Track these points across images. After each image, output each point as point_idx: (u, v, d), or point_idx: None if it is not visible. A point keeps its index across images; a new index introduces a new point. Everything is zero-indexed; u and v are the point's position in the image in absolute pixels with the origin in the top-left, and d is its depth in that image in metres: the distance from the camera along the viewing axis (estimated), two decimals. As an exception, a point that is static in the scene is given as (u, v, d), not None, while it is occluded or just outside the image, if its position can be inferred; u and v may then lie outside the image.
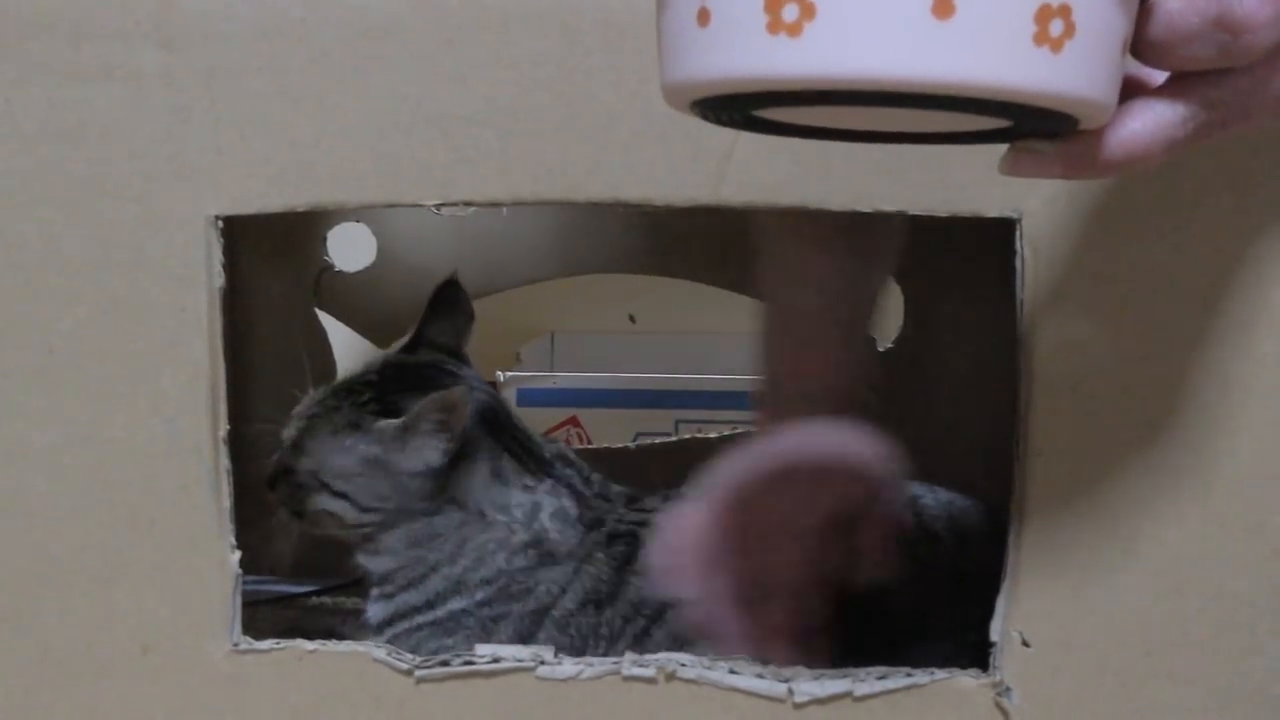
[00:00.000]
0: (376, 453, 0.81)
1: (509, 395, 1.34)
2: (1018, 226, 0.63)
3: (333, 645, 0.68)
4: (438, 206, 0.65)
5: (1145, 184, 0.62)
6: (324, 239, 1.12)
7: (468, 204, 0.65)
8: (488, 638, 0.78)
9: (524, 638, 0.78)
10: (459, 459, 0.81)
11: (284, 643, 0.67)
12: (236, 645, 0.67)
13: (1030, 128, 0.42)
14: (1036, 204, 0.63)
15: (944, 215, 0.63)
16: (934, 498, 0.84)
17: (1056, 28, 0.37)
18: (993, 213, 0.63)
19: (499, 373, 1.39)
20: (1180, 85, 0.43)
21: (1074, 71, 0.38)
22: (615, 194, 0.65)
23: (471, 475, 0.82)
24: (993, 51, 0.37)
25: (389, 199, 0.65)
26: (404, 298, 1.09)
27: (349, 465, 0.81)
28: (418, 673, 0.66)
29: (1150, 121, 0.42)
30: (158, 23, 0.63)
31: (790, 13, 0.37)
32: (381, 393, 0.84)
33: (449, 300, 0.91)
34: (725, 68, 0.39)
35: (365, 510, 0.81)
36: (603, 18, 0.63)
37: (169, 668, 0.67)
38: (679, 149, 0.63)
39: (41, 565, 0.67)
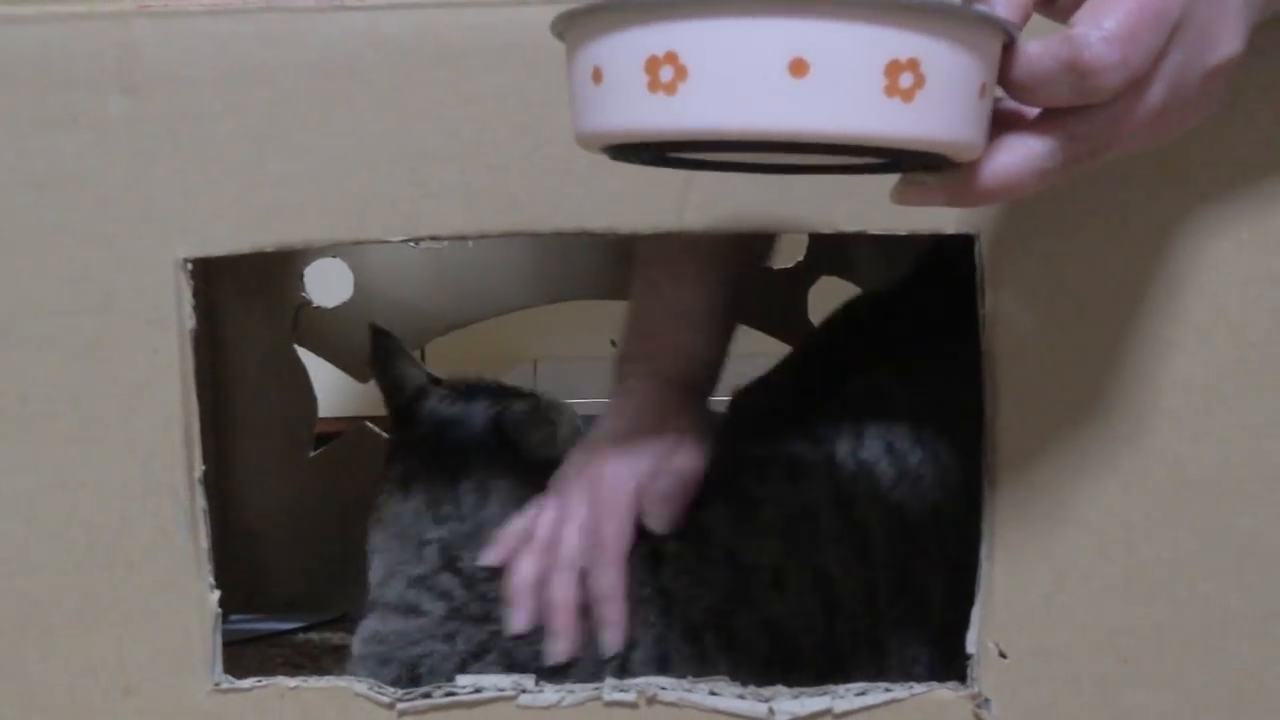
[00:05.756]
0: None
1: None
2: (976, 243, 0.64)
3: (314, 681, 0.68)
4: (415, 241, 0.65)
5: (1104, 195, 0.63)
6: (301, 275, 1.12)
7: (434, 238, 0.65)
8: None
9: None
10: None
11: (265, 680, 0.68)
12: (218, 684, 0.67)
13: (907, 163, 0.46)
14: (995, 221, 0.64)
15: (904, 234, 0.64)
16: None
17: (906, 80, 0.41)
18: (951, 229, 0.63)
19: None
20: (1048, 120, 0.46)
21: (926, 117, 0.42)
22: (580, 223, 0.65)
23: None
24: (845, 104, 0.41)
25: (355, 236, 0.66)
26: (383, 331, 1.09)
27: None
28: (399, 705, 0.67)
29: (1021, 154, 0.46)
30: (121, 70, 0.64)
31: (666, 74, 0.42)
32: None
33: (395, 346, 0.92)
34: (616, 122, 0.44)
35: None
36: (561, 51, 0.64)
37: (151, 710, 0.67)
38: (641, 177, 0.63)
39: (21, 611, 0.67)
